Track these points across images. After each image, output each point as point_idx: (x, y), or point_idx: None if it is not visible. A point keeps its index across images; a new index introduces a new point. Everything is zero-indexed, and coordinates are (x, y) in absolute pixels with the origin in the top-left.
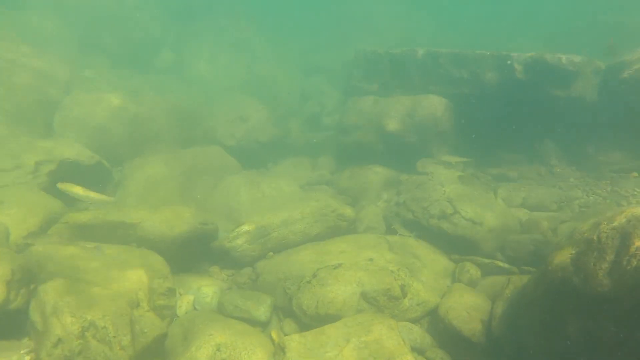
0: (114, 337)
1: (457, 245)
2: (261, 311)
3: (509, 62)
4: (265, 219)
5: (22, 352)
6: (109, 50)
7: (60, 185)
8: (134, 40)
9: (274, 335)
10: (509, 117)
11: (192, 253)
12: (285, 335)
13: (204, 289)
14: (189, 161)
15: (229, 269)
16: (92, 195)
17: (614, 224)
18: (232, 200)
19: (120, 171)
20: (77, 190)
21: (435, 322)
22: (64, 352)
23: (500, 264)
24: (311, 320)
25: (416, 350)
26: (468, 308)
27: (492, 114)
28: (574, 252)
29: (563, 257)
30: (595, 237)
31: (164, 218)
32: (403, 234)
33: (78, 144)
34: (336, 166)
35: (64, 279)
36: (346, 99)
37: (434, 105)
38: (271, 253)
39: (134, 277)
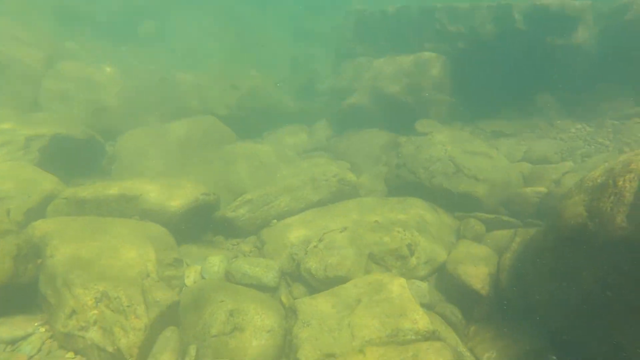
0: (128, 306)
1: (460, 203)
2: (270, 277)
3: (509, 12)
4: (267, 188)
5: (36, 324)
6: (87, 21)
7: None
8: (114, 9)
9: (284, 299)
10: (508, 72)
11: (195, 224)
12: (295, 299)
13: (211, 259)
14: (184, 132)
15: (233, 239)
16: None
17: (630, 167)
18: (231, 171)
19: (113, 145)
20: None
21: (443, 278)
22: (79, 322)
23: (505, 218)
24: (320, 284)
25: (425, 306)
26: (475, 262)
27: (490, 69)
28: (587, 198)
29: (574, 205)
30: (610, 182)
31: (165, 190)
32: None
33: (68, 118)
34: (333, 132)
35: (72, 252)
36: (339, 62)
37: (431, 62)
38: (275, 221)
39: (141, 248)
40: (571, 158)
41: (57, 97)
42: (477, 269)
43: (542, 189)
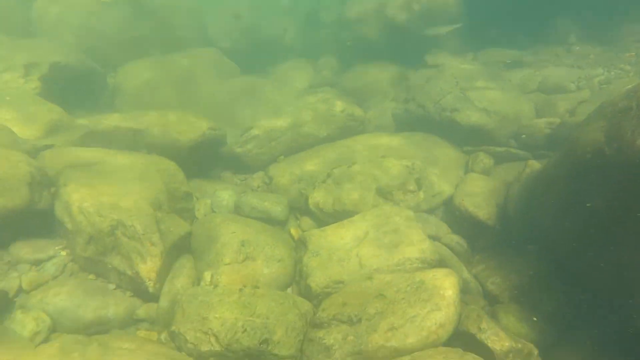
0: (143, 234)
1: (470, 137)
2: (279, 210)
3: None
4: (273, 123)
5: (57, 248)
6: None
7: None
8: None
9: (293, 232)
10: None
11: (202, 159)
12: (304, 232)
13: (220, 193)
14: (186, 64)
15: (241, 174)
16: None
17: None
18: (236, 105)
19: (114, 77)
20: None
21: (449, 211)
22: (97, 248)
23: (514, 150)
24: (328, 217)
25: (432, 237)
26: (483, 193)
27: None
28: (606, 124)
29: (592, 131)
30: (633, 104)
31: (173, 124)
32: None
33: (65, 46)
34: (339, 66)
35: (85, 181)
36: None
37: None
38: (282, 156)
39: (151, 181)
40: (588, 86)
41: (51, 22)
42: (484, 200)
43: (555, 120)
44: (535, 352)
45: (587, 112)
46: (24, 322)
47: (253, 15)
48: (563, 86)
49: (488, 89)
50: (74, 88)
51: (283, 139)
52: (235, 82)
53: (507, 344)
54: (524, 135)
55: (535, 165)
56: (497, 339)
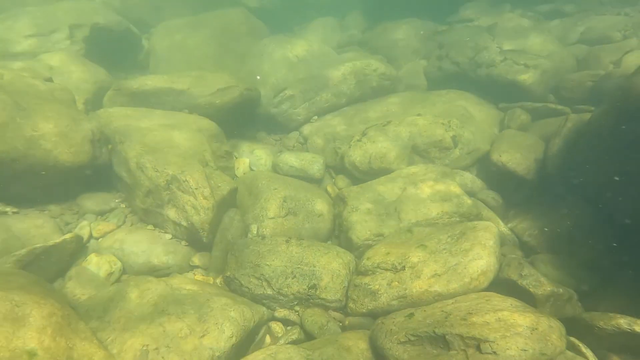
0: (196, 188)
1: (506, 93)
2: (315, 169)
3: None
4: (307, 83)
5: (117, 200)
6: None
7: None
8: None
9: (329, 189)
10: None
11: (239, 119)
12: (340, 189)
13: (257, 152)
14: (217, 24)
15: (275, 134)
16: None
17: None
18: (267, 66)
19: (148, 38)
20: None
21: (484, 167)
22: (155, 200)
23: (552, 105)
24: (364, 175)
25: (468, 193)
26: (521, 149)
27: None
28: None
29: None
30: None
31: (213, 83)
32: None
33: (103, 6)
34: (366, 24)
35: (138, 139)
36: None
37: None
38: (315, 117)
39: (197, 139)
40: (636, 35)
41: None
42: (522, 155)
43: (599, 72)
44: (575, 297)
45: (636, 62)
46: (99, 264)
47: None
48: (608, 36)
49: (526, 42)
50: (113, 49)
51: (317, 99)
52: (265, 43)
53: (548, 289)
54: (563, 90)
55: (575, 119)
56: (538, 285)
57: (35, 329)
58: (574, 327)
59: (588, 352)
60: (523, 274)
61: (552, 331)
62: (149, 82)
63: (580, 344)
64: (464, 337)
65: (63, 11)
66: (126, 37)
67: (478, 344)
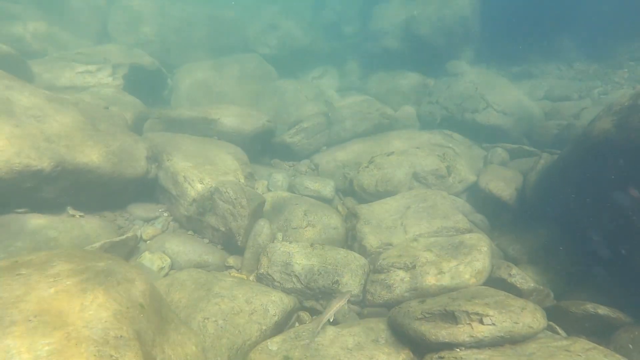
0: (235, 199)
1: (488, 134)
2: (328, 190)
3: None
4: (317, 118)
5: (160, 210)
6: None
7: None
8: None
9: (340, 208)
10: (532, 17)
11: (259, 147)
12: (350, 207)
13: (275, 175)
14: (234, 67)
15: (289, 161)
16: None
17: None
18: (279, 103)
19: (171, 77)
20: None
21: (473, 195)
22: (198, 208)
23: (527, 147)
24: (370, 197)
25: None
26: (504, 179)
27: (516, 14)
28: (615, 118)
29: (603, 124)
30: (639, 102)
31: (238, 115)
32: None
33: (138, 49)
34: (363, 73)
35: (183, 157)
36: (369, 5)
37: (464, 5)
38: (324, 147)
39: (229, 160)
40: (589, 96)
41: (123, 29)
42: (504, 184)
43: (562, 122)
44: (551, 295)
45: (590, 117)
46: (152, 260)
47: (287, 25)
48: (567, 95)
49: (503, 95)
50: (144, 85)
51: (326, 132)
52: (278, 84)
53: (532, 285)
54: (534, 135)
55: (547, 157)
56: (524, 281)
57: (140, 292)
58: (551, 314)
59: (562, 332)
60: (511, 273)
61: (537, 311)
62: (186, 112)
63: (557, 326)
64: (470, 312)
65: (107, 53)
66: (157, 75)
67: (481, 318)
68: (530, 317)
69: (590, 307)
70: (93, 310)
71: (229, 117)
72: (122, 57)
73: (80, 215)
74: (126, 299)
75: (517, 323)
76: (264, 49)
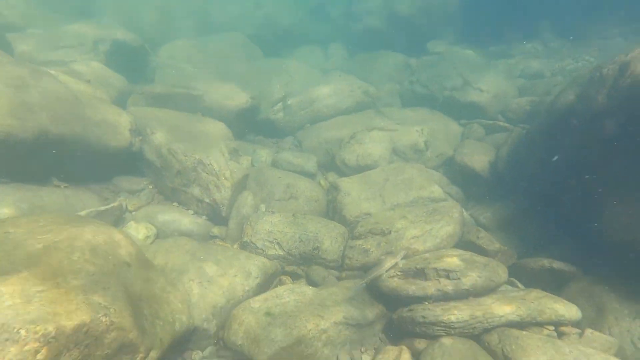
0: (219, 171)
1: (466, 111)
2: (310, 165)
3: None
4: (303, 94)
5: (144, 182)
6: None
7: None
8: None
9: (322, 182)
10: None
11: (243, 123)
12: (332, 180)
13: (258, 151)
14: (219, 46)
15: (272, 138)
16: None
17: (614, 60)
18: (264, 81)
19: (156, 55)
20: None
21: (450, 167)
22: (182, 180)
23: (501, 123)
24: (352, 171)
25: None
26: (478, 153)
27: None
28: (577, 89)
29: (567, 95)
30: (598, 74)
31: (222, 92)
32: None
33: (121, 27)
34: (347, 53)
35: (167, 130)
36: None
37: None
38: (308, 124)
39: (213, 135)
40: (561, 74)
41: (107, 6)
42: (479, 157)
43: (535, 98)
44: (515, 255)
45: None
46: (138, 229)
47: (273, 5)
48: (541, 73)
49: (481, 73)
50: (127, 62)
51: (310, 109)
52: (262, 63)
53: (497, 246)
54: (508, 112)
55: (518, 131)
56: (490, 243)
57: (126, 253)
58: (514, 271)
59: (521, 286)
60: (479, 236)
61: (499, 267)
62: (170, 88)
63: (517, 281)
64: (438, 269)
65: (89, 28)
66: (139, 52)
67: (448, 274)
68: (492, 272)
69: (546, 262)
70: (80, 264)
71: (213, 94)
72: (104, 34)
73: (64, 186)
74: (112, 256)
75: (480, 277)
76: (248, 28)
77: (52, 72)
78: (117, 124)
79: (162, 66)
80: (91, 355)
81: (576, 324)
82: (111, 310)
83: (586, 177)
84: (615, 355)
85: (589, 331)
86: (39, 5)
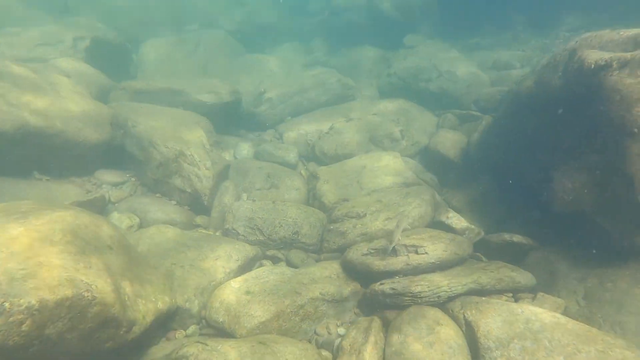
0: (200, 161)
1: (440, 102)
2: (291, 156)
3: None
4: (284, 88)
5: (127, 175)
6: None
7: None
8: None
9: (303, 172)
10: None
11: (224, 117)
12: (313, 169)
13: (241, 144)
14: (200, 43)
15: (254, 131)
16: None
17: (566, 47)
18: (246, 77)
19: (137, 53)
20: None
21: (425, 155)
22: (164, 171)
23: (474, 112)
24: (331, 160)
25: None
26: (452, 140)
27: None
28: (536, 77)
29: (527, 82)
30: (552, 60)
31: (203, 87)
32: None
33: (100, 23)
34: (328, 49)
35: (149, 124)
36: None
37: None
38: (289, 117)
39: (194, 127)
40: (529, 65)
41: (85, 2)
42: (452, 144)
43: (504, 88)
44: (482, 233)
45: (529, 83)
46: (121, 220)
47: (253, 2)
48: (511, 64)
49: (455, 65)
50: (108, 59)
51: (290, 102)
52: (244, 59)
53: (464, 224)
54: (481, 102)
55: (488, 119)
56: (458, 222)
57: (108, 237)
58: (479, 247)
59: (484, 259)
60: (448, 216)
61: (464, 242)
62: (152, 83)
63: (482, 256)
64: (407, 245)
65: (68, 26)
66: (120, 50)
67: (416, 249)
68: (457, 247)
69: (507, 236)
70: (62, 245)
71: (194, 89)
72: (83, 31)
73: (46, 179)
74: (94, 239)
75: (445, 251)
76: (229, 24)
77: (31, 66)
78: (97, 118)
79: (143, 62)
80: (75, 328)
81: (532, 290)
82: (93, 287)
83: (540, 154)
84: (563, 313)
85: (540, 294)
86: (17, 3)
